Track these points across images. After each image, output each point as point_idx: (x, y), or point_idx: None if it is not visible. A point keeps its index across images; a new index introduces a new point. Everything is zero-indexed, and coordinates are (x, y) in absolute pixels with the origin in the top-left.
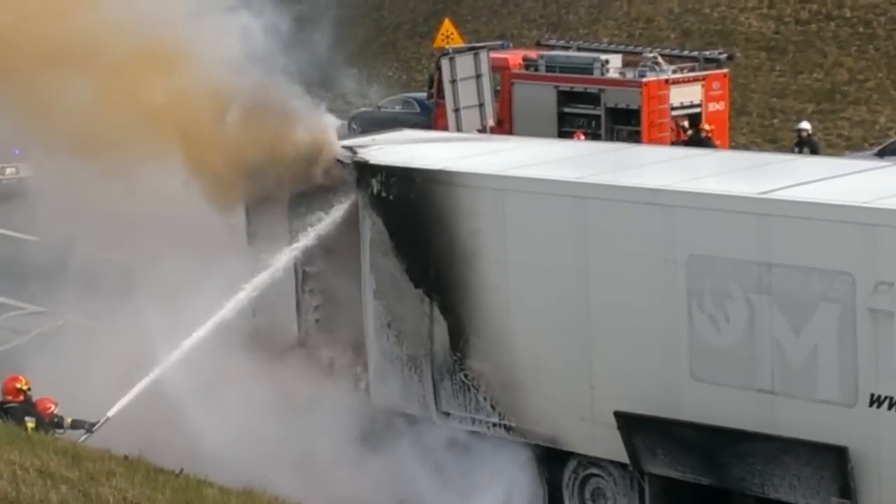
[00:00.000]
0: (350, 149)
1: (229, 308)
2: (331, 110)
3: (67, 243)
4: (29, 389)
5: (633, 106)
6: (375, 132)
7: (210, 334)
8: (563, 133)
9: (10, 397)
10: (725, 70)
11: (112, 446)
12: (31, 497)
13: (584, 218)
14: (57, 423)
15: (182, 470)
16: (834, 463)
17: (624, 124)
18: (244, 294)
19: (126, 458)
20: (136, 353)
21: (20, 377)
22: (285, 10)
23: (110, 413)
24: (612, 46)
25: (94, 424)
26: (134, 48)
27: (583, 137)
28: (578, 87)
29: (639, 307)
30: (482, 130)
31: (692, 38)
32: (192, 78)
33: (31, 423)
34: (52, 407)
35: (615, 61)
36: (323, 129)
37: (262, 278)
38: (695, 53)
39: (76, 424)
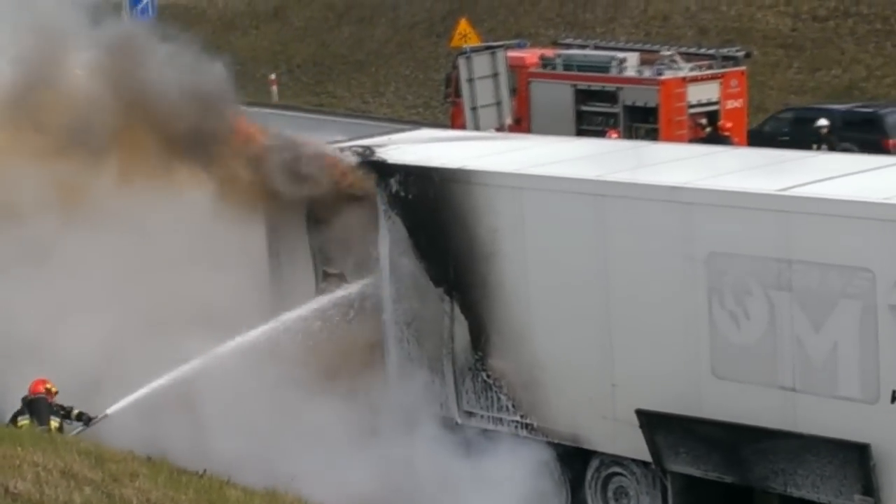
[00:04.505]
0: (368, 148)
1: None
2: None
3: None
4: (56, 393)
5: (651, 104)
6: None
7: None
8: (581, 132)
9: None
10: (743, 67)
11: None
12: (55, 498)
13: (603, 216)
14: (64, 414)
15: (205, 471)
16: (856, 460)
17: (642, 122)
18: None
19: (149, 458)
20: None
21: (48, 381)
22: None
23: (109, 410)
24: (630, 45)
25: (91, 419)
26: None
27: (615, 136)
28: (596, 86)
29: (659, 305)
30: (500, 129)
31: (709, 36)
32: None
33: (55, 422)
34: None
35: (632, 59)
36: None
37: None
38: (712, 51)
39: (80, 417)
